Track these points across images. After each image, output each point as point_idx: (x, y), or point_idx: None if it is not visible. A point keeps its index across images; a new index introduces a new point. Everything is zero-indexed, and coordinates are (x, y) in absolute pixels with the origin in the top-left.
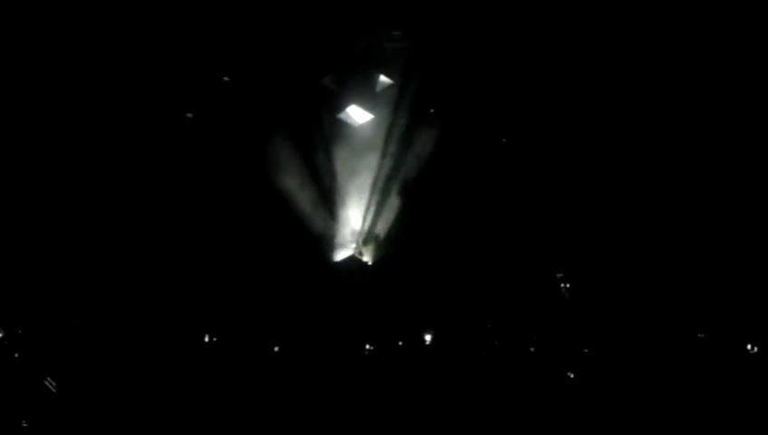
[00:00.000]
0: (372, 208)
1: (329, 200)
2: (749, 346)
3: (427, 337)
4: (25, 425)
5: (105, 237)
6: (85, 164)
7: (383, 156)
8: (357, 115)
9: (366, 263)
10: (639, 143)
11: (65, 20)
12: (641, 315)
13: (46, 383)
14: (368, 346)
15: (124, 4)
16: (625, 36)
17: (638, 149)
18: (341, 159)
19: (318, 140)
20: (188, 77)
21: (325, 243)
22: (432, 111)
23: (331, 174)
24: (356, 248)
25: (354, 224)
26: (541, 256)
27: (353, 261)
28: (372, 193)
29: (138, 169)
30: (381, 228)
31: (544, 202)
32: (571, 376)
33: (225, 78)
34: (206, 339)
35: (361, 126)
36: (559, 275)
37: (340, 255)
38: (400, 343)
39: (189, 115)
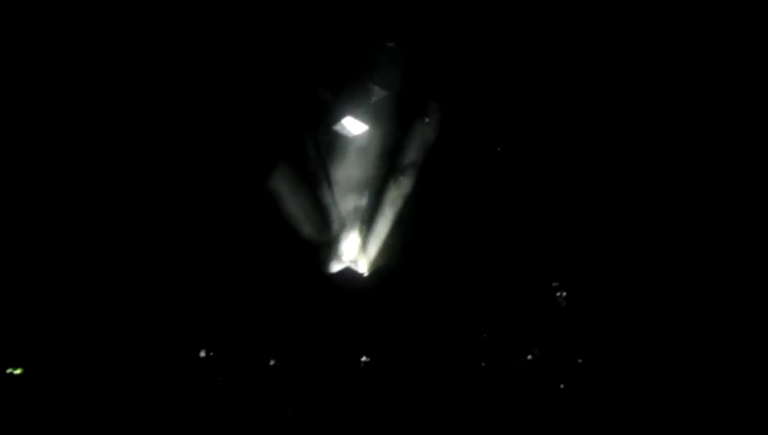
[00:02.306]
0: (368, 219)
1: (324, 211)
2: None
3: None
4: None
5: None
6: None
7: (378, 166)
8: (352, 126)
9: (361, 274)
10: (633, 150)
11: (65, 20)
12: (639, 323)
13: None
14: (364, 358)
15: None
16: (612, 47)
17: (632, 155)
18: (337, 169)
19: (313, 151)
20: (183, 88)
21: (321, 254)
22: (427, 120)
23: (327, 184)
24: (351, 259)
25: (350, 235)
26: (537, 265)
27: (349, 272)
28: (368, 203)
29: (137, 178)
30: (377, 239)
31: (540, 210)
32: (563, 387)
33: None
34: (202, 354)
35: (356, 137)
36: (555, 284)
37: (336, 266)
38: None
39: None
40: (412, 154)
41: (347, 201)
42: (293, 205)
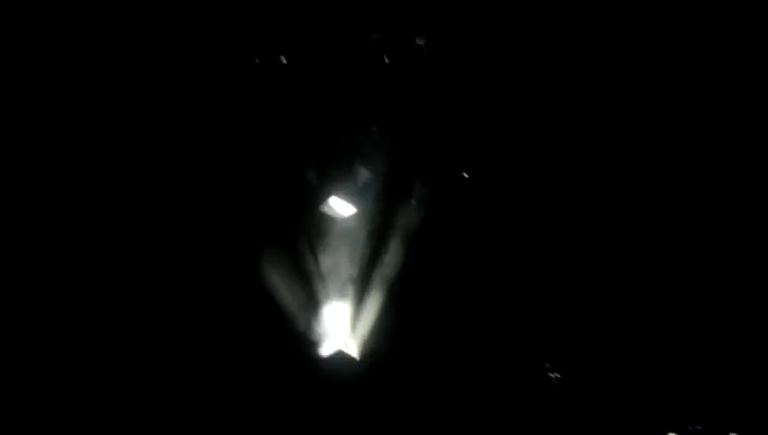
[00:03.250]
0: (357, 301)
1: (312, 294)
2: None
3: None
4: None
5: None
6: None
7: (366, 247)
8: (340, 208)
9: (354, 358)
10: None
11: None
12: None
13: None
14: None
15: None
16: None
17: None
18: (324, 251)
19: (300, 233)
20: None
21: (311, 338)
22: (414, 201)
23: (315, 267)
24: (342, 343)
25: (339, 317)
26: (530, 346)
27: (340, 356)
28: (356, 285)
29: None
30: (367, 321)
31: (537, 289)
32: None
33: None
34: None
35: (343, 218)
36: (547, 366)
37: (327, 350)
38: None
39: None
40: (400, 234)
41: (335, 283)
42: (281, 288)
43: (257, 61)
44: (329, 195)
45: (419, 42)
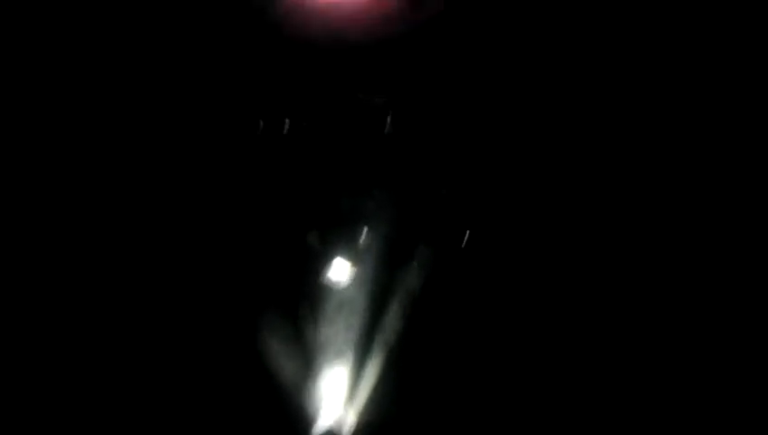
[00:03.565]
0: (356, 370)
1: (309, 365)
2: None
3: None
4: None
5: None
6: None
7: (367, 314)
8: (340, 271)
9: None
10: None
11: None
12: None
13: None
14: None
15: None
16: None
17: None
18: (324, 315)
19: (300, 300)
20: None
21: (303, 417)
22: (416, 264)
23: (313, 335)
24: (335, 420)
25: (336, 390)
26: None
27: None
28: (357, 354)
29: None
30: (365, 392)
31: (539, 357)
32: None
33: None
34: None
35: (345, 282)
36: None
37: (318, 428)
38: None
39: None
40: (401, 299)
41: (333, 351)
42: (276, 357)
43: (260, 124)
44: (330, 258)
45: (420, 107)
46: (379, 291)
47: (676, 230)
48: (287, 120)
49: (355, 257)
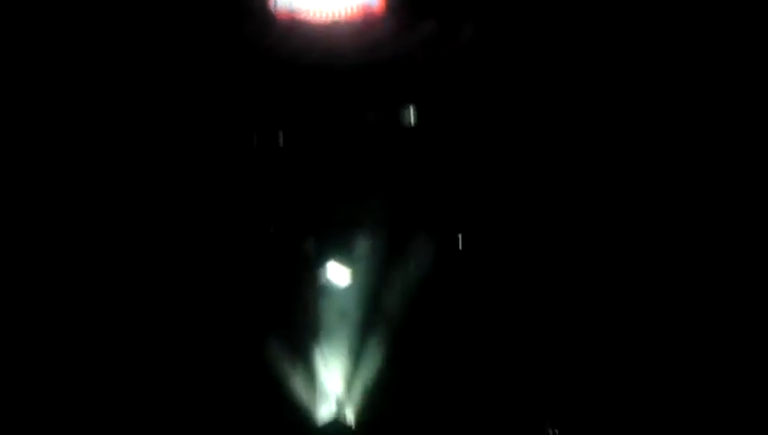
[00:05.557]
0: (355, 367)
1: (310, 362)
2: None
3: None
4: None
5: None
6: None
7: (363, 313)
8: (336, 275)
9: (350, 427)
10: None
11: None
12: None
13: None
14: None
15: None
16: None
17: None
18: (321, 319)
19: (297, 301)
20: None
21: (306, 407)
22: (411, 266)
23: (312, 336)
24: (338, 411)
25: (337, 384)
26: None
27: (336, 425)
28: (353, 352)
29: None
30: (365, 387)
31: (532, 354)
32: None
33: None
34: None
35: (340, 286)
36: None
37: (323, 418)
38: None
39: None
40: (397, 301)
41: (332, 349)
42: (278, 356)
43: (255, 138)
44: (325, 263)
45: (412, 119)
46: (376, 293)
47: (676, 230)
48: (281, 133)
49: (351, 261)
